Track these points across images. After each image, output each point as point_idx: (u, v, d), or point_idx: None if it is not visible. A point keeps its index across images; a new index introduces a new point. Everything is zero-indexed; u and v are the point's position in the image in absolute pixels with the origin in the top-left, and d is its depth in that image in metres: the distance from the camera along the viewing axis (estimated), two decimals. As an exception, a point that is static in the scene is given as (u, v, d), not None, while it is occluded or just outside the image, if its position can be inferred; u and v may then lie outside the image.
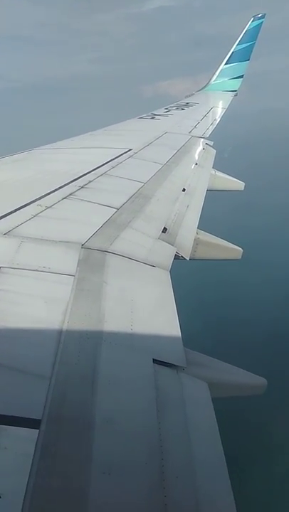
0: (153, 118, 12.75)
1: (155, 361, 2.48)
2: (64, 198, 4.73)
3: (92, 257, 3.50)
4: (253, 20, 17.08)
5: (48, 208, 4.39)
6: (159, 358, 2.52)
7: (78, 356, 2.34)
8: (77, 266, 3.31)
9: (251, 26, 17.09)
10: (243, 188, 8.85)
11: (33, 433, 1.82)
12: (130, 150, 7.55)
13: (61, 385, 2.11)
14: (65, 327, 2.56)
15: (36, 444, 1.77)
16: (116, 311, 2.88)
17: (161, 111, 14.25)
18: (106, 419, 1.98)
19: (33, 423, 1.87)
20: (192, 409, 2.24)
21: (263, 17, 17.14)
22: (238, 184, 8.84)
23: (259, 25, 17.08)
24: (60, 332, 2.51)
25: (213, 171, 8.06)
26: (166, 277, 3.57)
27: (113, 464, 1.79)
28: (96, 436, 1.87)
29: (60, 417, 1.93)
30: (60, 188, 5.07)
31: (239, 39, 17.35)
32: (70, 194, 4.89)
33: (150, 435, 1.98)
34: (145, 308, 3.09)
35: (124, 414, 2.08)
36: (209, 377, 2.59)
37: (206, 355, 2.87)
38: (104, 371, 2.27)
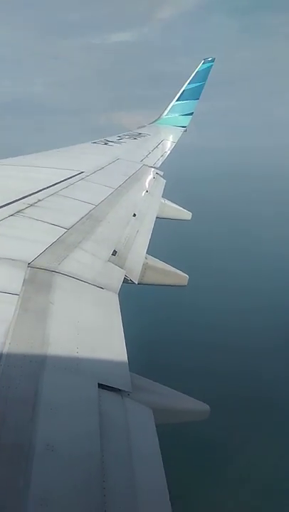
0: (106, 144, 12.95)
1: (100, 385, 2.42)
2: (11, 215, 4.58)
3: (39, 277, 3.39)
4: (203, 63, 18.33)
5: (-6, 224, 4.21)
6: (105, 382, 2.46)
7: (19, 380, 2.21)
8: (23, 285, 3.18)
9: (202, 68, 18.31)
10: (190, 218, 9.17)
11: None
12: (82, 172, 7.56)
13: None
14: (6, 349, 2.43)
15: None
16: (61, 333, 2.78)
17: (114, 138, 14.53)
18: (46, 447, 1.87)
19: None
20: (136, 436, 2.20)
21: (212, 61, 18.47)
22: (186, 214, 9.16)
23: (209, 68, 18.35)
24: (0, 354, 2.37)
25: (162, 200, 8.30)
26: (114, 300, 3.55)
27: (52, 494, 1.68)
28: (35, 465, 1.76)
29: None
30: (7, 204, 4.91)
31: (190, 78, 18.44)
32: (18, 211, 4.75)
33: (92, 463, 1.90)
34: (92, 330, 3.03)
35: (66, 440, 1.98)
36: (154, 402, 2.57)
37: (152, 380, 2.86)
38: (46, 396, 2.16)
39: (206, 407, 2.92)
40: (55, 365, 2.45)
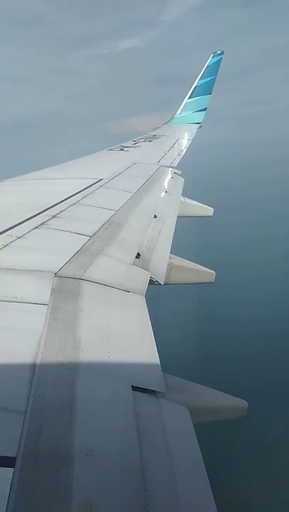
0: (122, 150, 13.04)
1: (134, 388, 2.43)
2: (35, 228, 4.69)
3: (66, 285, 3.45)
4: (213, 56, 18.12)
5: (19, 237, 4.33)
6: (138, 385, 2.47)
7: (54, 388, 2.25)
8: (51, 295, 3.24)
9: (212, 62, 18.10)
10: (212, 214, 9.09)
11: (8, 472, 1.71)
12: (101, 180, 7.64)
13: (37, 419, 2.01)
14: (39, 358, 2.47)
15: (12, 484, 1.66)
16: (92, 339, 2.81)
17: (130, 143, 14.61)
18: (85, 452, 1.89)
19: (7, 461, 1.76)
20: (174, 436, 2.18)
21: (222, 53, 18.22)
22: (208, 210, 9.08)
23: (219, 61, 18.12)
24: (34, 364, 2.42)
25: (182, 198, 8.26)
26: (141, 302, 3.56)
27: (94, 501, 1.69)
28: (75, 471, 1.78)
29: (36, 453, 1.83)
30: (31, 217, 5.03)
31: (201, 74, 18.28)
32: (42, 224, 4.85)
33: (132, 467, 1.90)
34: (122, 334, 3.04)
35: (105, 445, 2.00)
36: (190, 402, 2.54)
37: (185, 379, 2.84)
38: (81, 402, 2.19)
39: (244, 403, 2.86)
40: (88, 371, 2.47)
